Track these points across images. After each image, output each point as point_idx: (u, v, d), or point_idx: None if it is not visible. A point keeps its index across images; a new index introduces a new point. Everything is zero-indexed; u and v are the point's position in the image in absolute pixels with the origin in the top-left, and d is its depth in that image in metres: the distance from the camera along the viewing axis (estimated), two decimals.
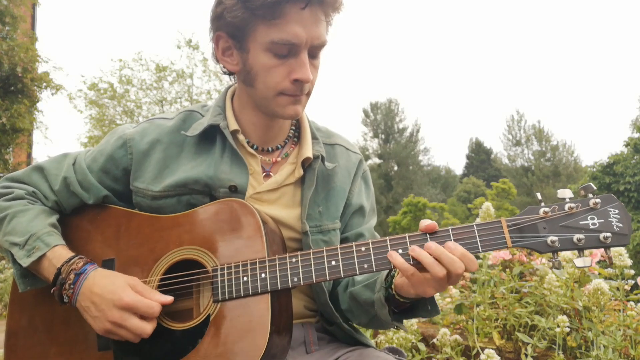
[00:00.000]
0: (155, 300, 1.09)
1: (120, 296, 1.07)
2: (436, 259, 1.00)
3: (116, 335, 1.09)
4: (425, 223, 1.05)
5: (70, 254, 1.16)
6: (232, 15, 1.13)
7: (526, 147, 40.96)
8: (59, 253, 1.15)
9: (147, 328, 1.08)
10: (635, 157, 19.24)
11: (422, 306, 1.17)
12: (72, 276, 1.12)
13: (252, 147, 1.29)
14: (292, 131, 1.36)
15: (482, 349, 2.14)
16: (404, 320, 1.26)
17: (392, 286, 1.13)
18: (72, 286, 1.11)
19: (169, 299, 1.11)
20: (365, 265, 1.06)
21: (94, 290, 1.10)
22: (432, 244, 1.01)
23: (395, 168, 40.60)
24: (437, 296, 2.97)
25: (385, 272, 1.16)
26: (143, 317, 1.08)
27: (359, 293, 1.22)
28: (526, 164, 40.53)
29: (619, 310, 2.25)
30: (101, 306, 1.08)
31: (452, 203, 34.71)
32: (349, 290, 1.27)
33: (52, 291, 1.13)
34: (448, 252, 1.00)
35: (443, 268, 0.99)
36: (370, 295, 1.18)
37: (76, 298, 1.11)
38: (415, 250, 1.02)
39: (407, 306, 1.17)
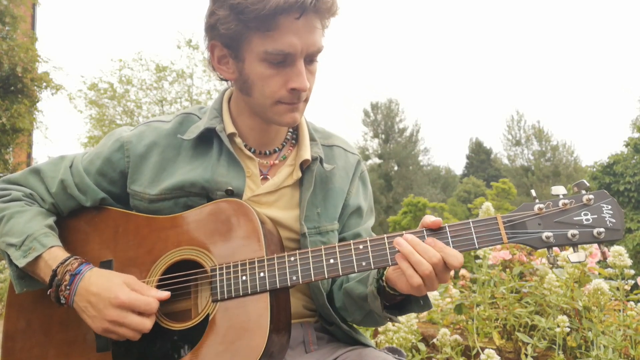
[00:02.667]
0: (152, 296, 1.09)
1: (117, 295, 1.07)
2: (414, 248, 1.01)
3: (115, 334, 1.09)
4: (430, 219, 1.05)
5: (65, 254, 1.16)
6: (225, 27, 1.12)
7: (526, 147, 41.02)
8: (55, 254, 1.15)
9: (147, 323, 1.08)
10: (635, 157, 19.25)
11: (414, 301, 1.17)
12: (67, 277, 1.12)
13: (249, 150, 1.29)
14: (289, 133, 1.36)
15: (482, 349, 2.14)
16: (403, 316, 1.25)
17: (383, 277, 1.13)
18: (68, 287, 1.11)
19: (165, 294, 1.11)
20: (364, 263, 1.06)
21: (91, 289, 1.09)
22: (408, 236, 1.03)
23: (395, 168, 40.64)
24: (437, 296, 2.98)
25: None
26: (141, 313, 1.08)
27: (353, 288, 1.23)
28: (526, 164, 40.58)
29: (619, 310, 2.24)
30: (98, 305, 1.08)
31: (452, 203, 34.71)
32: (343, 287, 1.27)
33: (48, 292, 1.13)
34: (424, 244, 1.01)
35: (429, 265, 1.00)
36: (364, 289, 1.18)
37: (73, 299, 1.11)
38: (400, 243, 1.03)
39: (398, 301, 1.17)
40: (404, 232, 1.06)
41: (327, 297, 1.29)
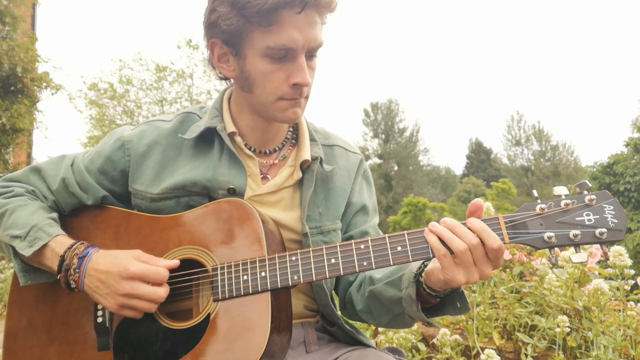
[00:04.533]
0: (161, 265, 1.10)
1: (126, 267, 1.07)
2: (452, 232, 1.00)
3: (130, 309, 1.08)
4: (476, 204, 1.04)
5: (71, 241, 1.16)
6: (227, 23, 1.12)
7: (526, 147, 41.03)
8: (61, 241, 1.16)
9: (160, 292, 1.08)
10: (635, 157, 19.26)
11: (450, 303, 1.14)
12: (75, 260, 1.12)
13: (249, 149, 1.29)
14: (290, 133, 1.36)
15: (482, 349, 2.14)
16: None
17: (423, 274, 1.10)
18: (77, 270, 1.11)
19: (174, 262, 1.11)
20: (365, 263, 1.06)
21: (99, 268, 1.10)
22: (447, 219, 1.02)
23: (395, 168, 40.64)
24: None
25: (414, 268, 1.13)
26: (153, 284, 1.08)
27: (382, 291, 1.19)
28: (526, 164, 40.60)
29: (619, 310, 2.24)
30: (109, 282, 1.08)
31: (452, 203, 34.71)
32: (368, 289, 1.24)
33: (58, 277, 1.13)
34: (462, 225, 1.00)
35: (463, 242, 0.98)
36: (397, 292, 1.15)
37: (83, 281, 1.11)
38: (435, 226, 1.02)
39: (433, 304, 1.15)
40: (405, 231, 1.06)
41: (343, 299, 1.29)
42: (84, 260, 1.12)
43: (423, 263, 1.13)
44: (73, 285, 1.12)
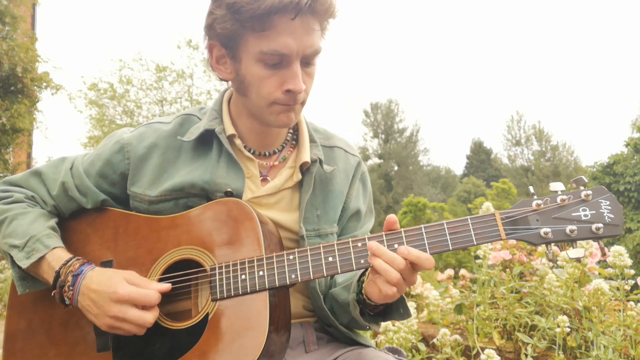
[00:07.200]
0: (152, 289, 1.09)
1: (116, 290, 1.07)
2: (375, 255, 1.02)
3: (120, 330, 1.09)
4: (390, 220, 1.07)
5: (68, 255, 1.16)
6: (222, 26, 1.12)
7: (526, 147, 41.02)
8: (58, 255, 1.16)
9: (148, 317, 1.08)
10: (635, 157, 19.26)
11: (395, 309, 1.17)
12: (70, 278, 1.12)
13: (249, 151, 1.29)
14: (289, 135, 1.35)
15: (482, 349, 2.14)
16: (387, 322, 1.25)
17: (362, 291, 1.13)
18: (71, 288, 1.12)
19: (166, 286, 1.11)
20: (362, 261, 1.06)
21: (92, 287, 1.10)
22: (373, 244, 1.03)
23: (395, 168, 40.64)
24: (437, 296, 2.98)
25: (358, 276, 1.17)
26: (144, 307, 1.08)
27: (338, 294, 1.23)
28: (526, 164, 40.60)
29: (619, 310, 2.24)
30: (100, 303, 1.08)
31: (452, 203, 34.70)
32: (330, 291, 1.28)
33: (52, 294, 1.13)
34: (388, 251, 1.02)
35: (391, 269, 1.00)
36: (347, 295, 1.19)
37: (76, 299, 1.12)
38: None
39: (381, 309, 1.18)
40: (402, 229, 1.07)
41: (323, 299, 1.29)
42: (78, 278, 1.12)
43: (360, 278, 1.16)
44: (67, 302, 1.13)
